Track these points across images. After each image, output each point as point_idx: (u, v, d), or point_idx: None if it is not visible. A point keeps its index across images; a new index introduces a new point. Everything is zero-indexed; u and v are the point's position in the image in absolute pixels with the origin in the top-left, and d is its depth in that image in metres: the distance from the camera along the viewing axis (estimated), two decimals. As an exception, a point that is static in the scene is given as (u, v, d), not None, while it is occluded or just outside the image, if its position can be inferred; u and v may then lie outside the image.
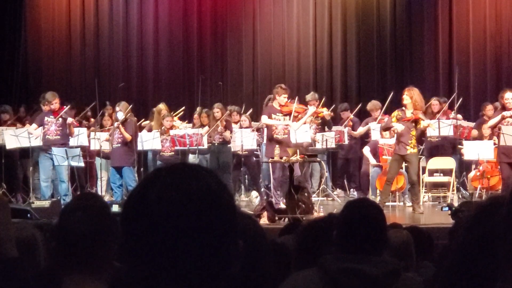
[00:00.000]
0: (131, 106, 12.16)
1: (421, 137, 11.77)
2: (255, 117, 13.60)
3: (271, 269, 1.90)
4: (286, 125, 10.53)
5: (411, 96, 10.49)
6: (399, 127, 10.37)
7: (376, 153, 12.22)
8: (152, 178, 1.27)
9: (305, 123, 11.01)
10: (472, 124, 12.45)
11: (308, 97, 12.64)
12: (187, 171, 1.28)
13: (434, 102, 12.57)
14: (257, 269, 1.80)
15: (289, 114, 10.54)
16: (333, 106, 13.73)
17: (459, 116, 12.45)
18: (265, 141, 12.77)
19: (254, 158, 12.80)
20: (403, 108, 10.53)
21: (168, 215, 1.22)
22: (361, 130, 12.99)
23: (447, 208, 8.85)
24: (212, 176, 1.29)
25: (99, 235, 2.11)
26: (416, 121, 10.44)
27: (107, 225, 2.14)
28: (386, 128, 11.11)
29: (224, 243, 1.25)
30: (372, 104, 13.02)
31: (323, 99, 13.05)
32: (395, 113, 10.66)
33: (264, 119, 10.65)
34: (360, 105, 13.79)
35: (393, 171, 10.58)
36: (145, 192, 1.25)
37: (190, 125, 13.17)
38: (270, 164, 10.47)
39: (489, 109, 12.39)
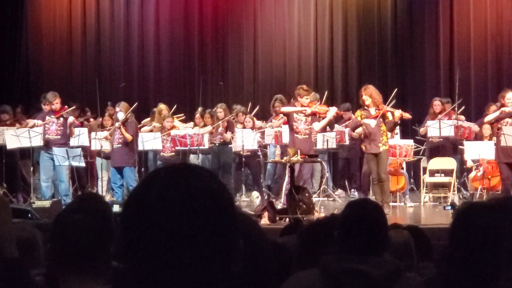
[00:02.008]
0: (135, 105, 12.18)
1: (394, 128, 11.61)
2: (259, 117, 13.63)
3: (272, 269, 1.89)
4: (309, 125, 10.54)
5: (369, 95, 10.42)
6: (371, 122, 10.30)
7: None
8: (152, 178, 1.27)
9: (326, 124, 11.07)
10: (473, 125, 12.44)
11: (310, 98, 12.59)
12: (187, 171, 1.28)
13: (436, 102, 12.52)
14: (258, 269, 1.80)
15: (311, 115, 10.57)
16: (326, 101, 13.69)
17: (462, 116, 12.44)
18: (266, 141, 12.78)
19: (256, 159, 12.79)
20: (365, 107, 10.47)
21: (168, 215, 1.22)
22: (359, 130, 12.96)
23: (450, 207, 8.87)
24: (212, 176, 1.29)
25: (100, 236, 2.10)
26: (383, 116, 10.36)
27: (109, 226, 2.14)
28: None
29: (224, 243, 1.25)
30: None
31: (325, 94, 12.87)
32: (358, 113, 10.59)
33: (284, 108, 10.77)
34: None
35: (375, 170, 10.54)
36: (145, 192, 1.25)
37: (192, 124, 13.17)
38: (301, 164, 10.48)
39: (492, 110, 12.39)
